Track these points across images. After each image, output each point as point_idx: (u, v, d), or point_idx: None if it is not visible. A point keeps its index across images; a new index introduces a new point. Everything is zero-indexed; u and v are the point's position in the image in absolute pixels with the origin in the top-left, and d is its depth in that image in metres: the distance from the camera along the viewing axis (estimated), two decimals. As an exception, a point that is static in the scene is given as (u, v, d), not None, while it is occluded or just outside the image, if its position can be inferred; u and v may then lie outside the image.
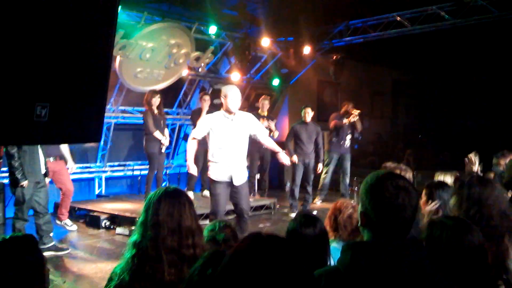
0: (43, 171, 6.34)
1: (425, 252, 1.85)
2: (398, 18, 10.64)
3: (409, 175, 4.18)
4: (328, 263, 2.80)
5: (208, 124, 6.01)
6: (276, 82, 12.26)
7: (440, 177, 3.96)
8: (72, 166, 7.93)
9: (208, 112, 9.29)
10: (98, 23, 2.21)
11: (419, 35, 10.91)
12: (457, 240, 2.25)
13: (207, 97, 9.45)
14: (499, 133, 13.40)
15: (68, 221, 7.68)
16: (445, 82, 16.79)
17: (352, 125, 10.13)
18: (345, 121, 9.90)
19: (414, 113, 18.89)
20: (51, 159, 7.33)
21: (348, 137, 10.14)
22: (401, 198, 1.79)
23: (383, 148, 16.21)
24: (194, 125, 9.38)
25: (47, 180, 6.68)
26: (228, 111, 5.88)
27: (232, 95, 5.88)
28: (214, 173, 5.87)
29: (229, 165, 5.83)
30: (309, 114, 9.23)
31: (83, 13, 2.14)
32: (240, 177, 5.91)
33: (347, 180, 10.26)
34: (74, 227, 7.67)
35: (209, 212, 6.18)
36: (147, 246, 2.34)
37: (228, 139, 5.85)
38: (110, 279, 2.37)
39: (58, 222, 7.60)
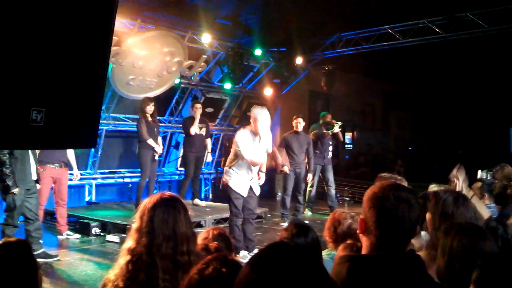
0: (34, 177, 6.31)
1: (423, 266, 1.86)
2: (390, 31, 10.75)
3: (404, 185, 4.19)
4: None
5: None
6: (268, 91, 12.30)
7: (435, 189, 3.96)
8: (77, 174, 7.93)
9: (200, 120, 9.34)
10: (95, 29, 2.23)
11: (410, 48, 11.03)
12: (471, 246, 2.24)
13: (199, 106, 9.48)
14: (488, 145, 13.54)
15: (69, 232, 7.65)
16: (436, 94, 16.95)
17: (334, 136, 10.09)
18: (327, 132, 9.87)
19: (405, 125, 19.03)
20: (56, 165, 7.31)
21: (330, 148, 10.10)
22: (401, 210, 1.79)
23: (374, 159, 16.30)
24: (186, 133, 9.41)
25: (39, 186, 6.65)
26: (255, 133, 6.31)
27: (262, 118, 6.29)
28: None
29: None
30: (300, 124, 9.28)
31: (80, 19, 2.16)
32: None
33: (333, 192, 10.15)
34: (77, 235, 7.62)
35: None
36: (142, 253, 2.33)
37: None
38: (103, 286, 2.35)
39: (59, 236, 7.55)
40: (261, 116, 6.25)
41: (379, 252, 1.79)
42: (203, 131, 9.55)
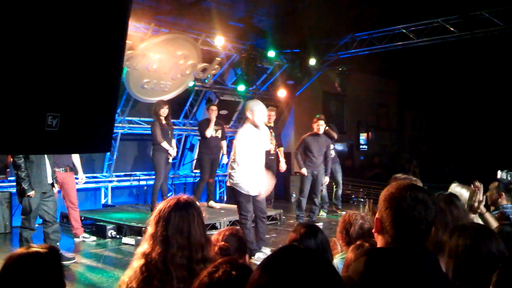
0: (50, 181, 6.38)
1: (437, 261, 1.85)
2: (404, 31, 10.68)
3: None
4: None
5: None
6: (282, 93, 12.29)
7: (457, 188, 3.88)
8: (82, 177, 7.99)
9: (215, 123, 9.37)
10: (109, 34, 2.25)
11: (425, 47, 10.95)
12: (476, 245, 2.23)
13: (214, 108, 9.52)
14: (505, 145, 13.37)
15: (86, 235, 7.72)
16: (451, 94, 16.80)
17: (327, 135, 9.66)
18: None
19: (420, 125, 18.88)
20: (61, 169, 7.38)
21: (330, 147, 9.73)
22: (418, 211, 1.79)
23: (388, 160, 16.20)
24: (201, 135, 9.44)
25: (56, 189, 6.72)
26: (255, 125, 6.25)
27: (258, 110, 6.26)
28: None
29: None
30: (322, 126, 9.19)
31: (93, 24, 2.18)
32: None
33: (340, 192, 10.17)
34: (93, 238, 7.69)
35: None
36: (156, 260, 2.33)
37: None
38: (118, 287, 2.38)
39: (76, 239, 7.65)
40: (257, 107, 6.25)
41: (397, 246, 1.79)
42: (219, 133, 9.59)
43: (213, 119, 9.29)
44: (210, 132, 9.26)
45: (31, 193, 6.02)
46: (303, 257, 1.29)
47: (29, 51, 1.94)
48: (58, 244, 6.38)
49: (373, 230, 1.91)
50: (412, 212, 1.79)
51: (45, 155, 6.25)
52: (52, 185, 6.44)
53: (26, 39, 1.93)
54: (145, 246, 2.42)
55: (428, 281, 1.71)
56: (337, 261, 3.29)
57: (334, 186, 10.30)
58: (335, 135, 9.99)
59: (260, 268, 1.31)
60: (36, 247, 2.09)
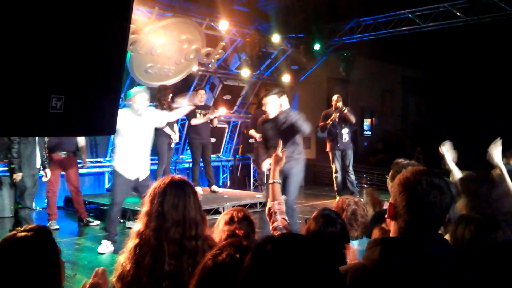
0: (38, 165, 6.41)
1: (453, 250, 1.83)
2: (410, 15, 10.58)
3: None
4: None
5: None
6: (286, 78, 12.23)
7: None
8: (85, 161, 8.00)
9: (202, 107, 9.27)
10: (113, 16, 2.22)
11: (430, 32, 10.86)
12: (480, 237, 2.21)
13: (202, 92, 9.33)
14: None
15: (89, 219, 7.76)
16: (456, 80, 16.69)
17: (345, 119, 9.62)
18: (333, 116, 9.58)
19: (424, 111, 18.81)
20: (63, 154, 7.37)
21: (345, 131, 9.70)
22: (433, 196, 1.76)
23: (392, 146, 16.16)
24: (189, 120, 9.32)
25: (47, 176, 6.74)
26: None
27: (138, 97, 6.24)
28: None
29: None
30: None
31: (97, 6, 2.15)
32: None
33: (352, 177, 9.89)
34: (97, 222, 7.73)
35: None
36: (150, 236, 2.35)
37: None
38: (115, 269, 2.39)
39: (80, 223, 7.71)
40: (138, 95, 6.19)
41: (410, 235, 1.77)
42: (203, 118, 9.37)
43: (197, 104, 9.08)
44: (197, 122, 9.12)
45: (18, 174, 6.08)
46: (293, 244, 1.30)
47: (33, 33, 1.92)
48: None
49: (386, 216, 1.88)
50: (427, 197, 1.76)
51: (36, 139, 6.28)
52: (39, 170, 6.46)
53: (30, 21, 1.90)
54: (139, 225, 2.44)
55: (443, 272, 1.69)
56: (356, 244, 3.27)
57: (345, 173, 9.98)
58: (353, 119, 9.76)
59: (251, 253, 1.33)
60: (23, 230, 2.06)
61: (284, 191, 6.01)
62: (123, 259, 2.39)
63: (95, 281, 2.30)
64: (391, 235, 1.86)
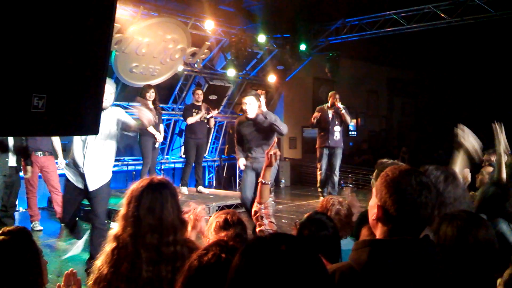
0: (12, 164, 6.30)
1: (436, 250, 1.83)
2: (395, 16, 10.65)
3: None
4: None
5: None
6: (272, 78, 12.24)
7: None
8: (62, 162, 7.87)
9: (198, 107, 9.25)
10: (96, 15, 2.20)
11: (415, 33, 10.93)
12: (463, 234, 2.22)
13: (200, 92, 9.40)
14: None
15: None
16: (441, 80, 16.85)
17: (339, 117, 9.56)
18: (315, 114, 9.57)
19: (409, 111, 18.94)
20: (40, 153, 7.26)
21: (337, 128, 9.60)
22: (424, 195, 1.75)
23: (377, 146, 16.25)
24: (185, 120, 9.29)
25: (27, 174, 6.64)
26: None
27: None
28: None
29: None
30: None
31: (81, 5, 2.13)
32: None
33: (336, 179, 9.71)
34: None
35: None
36: (127, 242, 2.30)
37: None
38: (92, 272, 2.34)
39: (62, 224, 7.46)
40: None
41: (399, 237, 1.76)
42: (204, 117, 9.38)
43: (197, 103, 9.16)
44: (193, 120, 9.10)
45: None
46: (282, 243, 1.29)
47: (15, 32, 1.89)
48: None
49: (373, 217, 1.85)
50: (419, 197, 1.75)
51: (9, 138, 6.19)
52: (17, 169, 6.35)
53: (12, 20, 1.87)
54: (116, 228, 2.38)
55: (429, 274, 1.69)
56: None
57: (330, 172, 9.81)
58: (349, 120, 9.76)
59: (239, 252, 1.32)
60: (1, 233, 2.02)
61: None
62: (100, 263, 2.33)
63: (68, 283, 2.27)
64: (378, 237, 1.84)
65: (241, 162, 6.77)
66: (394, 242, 1.74)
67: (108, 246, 2.35)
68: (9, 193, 6.29)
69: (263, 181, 3.05)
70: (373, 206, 1.86)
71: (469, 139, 3.70)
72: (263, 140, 6.47)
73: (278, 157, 3.16)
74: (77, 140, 5.08)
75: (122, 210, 2.38)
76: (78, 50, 2.14)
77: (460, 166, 3.61)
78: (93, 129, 2.19)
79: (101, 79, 2.31)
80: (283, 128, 6.36)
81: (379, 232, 1.84)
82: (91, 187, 5.04)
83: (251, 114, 6.39)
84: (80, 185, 5.06)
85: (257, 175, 6.18)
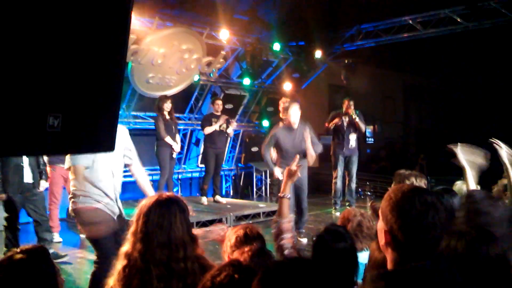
0: (29, 180, 6.33)
1: (456, 271, 1.77)
2: (410, 22, 10.58)
3: (423, 182, 4.06)
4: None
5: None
6: (287, 86, 12.22)
7: (463, 186, 3.80)
8: None
9: (218, 116, 9.25)
10: (111, 30, 2.19)
11: (431, 39, 10.84)
12: (473, 250, 2.13)
13: (219, 102, 9.43)
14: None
15: None
16: (458, 86, 16.66)
17: (353, 125, 9.48)
18: (336, 120, 9.47)
19: (426, 117, 18.77)
20: (66, 165, 7.32)
21: (352, 137, 9.53)
22: (431, 216, 1.68)
23: (395, 153, 16.11)
24: (202, 130, 9.32)
25: (42, 187, 6.66)
26: None
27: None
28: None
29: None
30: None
31: (95, 21, 2.13)
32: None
33: (353, 186, 9.66)
34: None
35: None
36: (137, 258, 2.29)
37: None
38: None
39: (81, 235, 7.36)
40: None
41: (412, 264, 1.68)
42: (223, 127, 9.44)
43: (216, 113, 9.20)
44: (209, 130, 9.10)
45: (2, 195, 6.05)
46: (300, 270, 1.29)
47: (29, 50, 1.89)
48: (52, 241, 6.40)
49: (382, 243, 1.80)
50: (425, 219, 1.68)
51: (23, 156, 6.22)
52: (33, 185, 6.39)
53: (26, 38, 1.88)
54: (126, 246, 2.37)
55: None
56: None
57: (347, 180, 9.77)
58: (363, 127, 9.68)
59: (258, 279, 1.32)
60: (18, 252, 2.02)
61: (299, 197, 6.94)
62: (112, 282, 2.32)
63: None
64: (388, 263, 1.78)
65: (278, 172, 6.82)
66: (407, 272, 1.65)
67: (119, 264, 2.35)
68: (34, 207, 6.34)
69: (282, 195, 3.02)
70: (380, 230, 1.79)
71: (470, 157, 3.65)
72: (299, 150, 6.50)
73: (298, 174, 3.14)
74: (102, 168, 4.34)
75: (132, 227, 2.39)
76: (93, 66, 2.13)
77: (474, 184, 3.56)
78: (109, 146, 2.18)
79: (117, 94, 2.29)
80: (317, 148, 6.73)
81: (389, 258, 1.78)
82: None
83: (295, 124, 6.71)
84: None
85: (295, 184, 6.28)
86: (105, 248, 4.04)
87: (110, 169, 4.30)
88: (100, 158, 4.21)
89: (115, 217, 4.26)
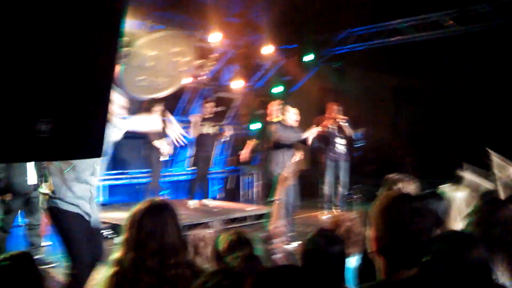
0: (33, 182, 6.22)
1: (442, 279, 1.78)
2: (403, 25, 10.58)
3: (412, 186, 4.06)
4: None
5: None
6: (278, 89, 12.21)
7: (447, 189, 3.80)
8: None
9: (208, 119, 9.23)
10: (102, 36, 2.17)
11: (423, 42, 10.87)
12: (458, 255, 2.13)
13: (208, 105, 9.41)
14: (503, 140, 13.34)
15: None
16: (448, 89, 16.76)
17: (341, 129, 9.54)
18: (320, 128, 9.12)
19: (416, 121, 18.85)
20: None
21: (340, 141, 9.61)
22: (415, 222, 1.71)
23: (384, 156, 16.14)
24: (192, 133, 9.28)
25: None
26: None
27: None
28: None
29: None
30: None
31: (86, 27, 2.11)
32: None
33: (342, 190, 9.66)
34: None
35: None
36: (128, 266, 2.28)
37: None
38: None
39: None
40: None
41: (400, 273, 1.69)
42: (211, 130, 9.39)
43: (207, 116, 9.15)
44: (194, 133, 9.06)
45: (6, 196, 5.95)
46: (291, 278, 1.30)
47: (18, 56, 1.87)
48: (40, 247, 6.32)
49: (372, 250, 1.82)
50: (411, 224, 1.70)
51: None
52: (37, 186, 6.31)
53: (14, 43, 1.85)
54: (118, 253, 2.36)
55: None
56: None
57: (336, 185, 9.81)
58: (348, 132, 9.78)
59: (248, 284, 1.34)
60: (3, 259, 2.00)
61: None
62: None
63: None
64: (379, 271, 1.79)
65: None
66: (396, 284, 1.68)
67: (109, 271, 2.32)
68: (33, 209, 6.23)
69: (278, 199, 3.03)
70: (370, 238, 1.82)
71: (476, 179, 3.68)
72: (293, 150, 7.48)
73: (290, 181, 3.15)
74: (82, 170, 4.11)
75: (124, 235, 2.37)
76: (82, 72, 2.11)
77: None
78: (97, 151, 2.15)
79: (106, 100, 2.27)
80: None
81: (380, 264, 1.79)
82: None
83: (297, 122, 7.67)
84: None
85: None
86: (78, 254, 3.82)
87: (90, 171, 4.14)
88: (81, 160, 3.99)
89: (90, 220, 4.08)
